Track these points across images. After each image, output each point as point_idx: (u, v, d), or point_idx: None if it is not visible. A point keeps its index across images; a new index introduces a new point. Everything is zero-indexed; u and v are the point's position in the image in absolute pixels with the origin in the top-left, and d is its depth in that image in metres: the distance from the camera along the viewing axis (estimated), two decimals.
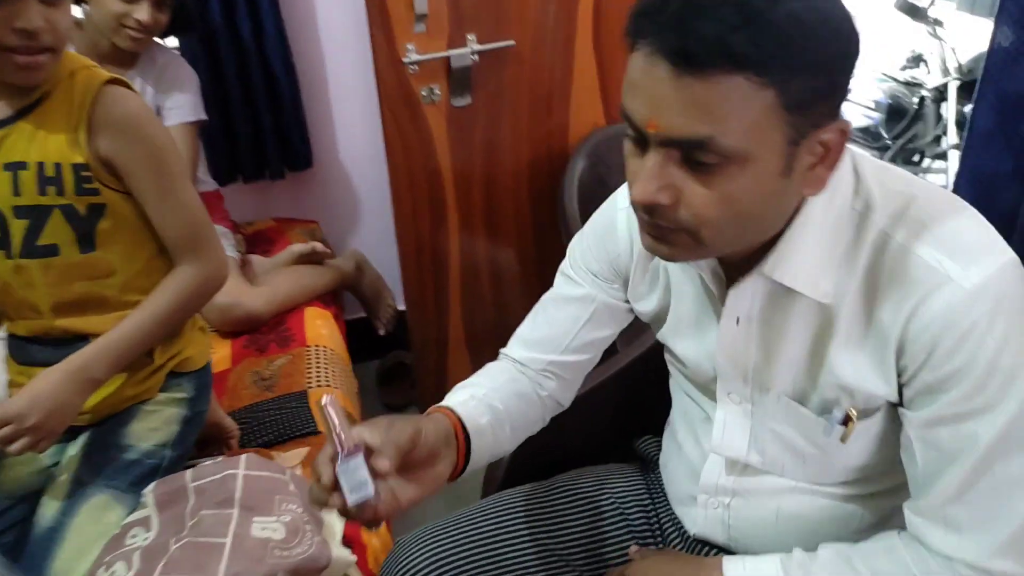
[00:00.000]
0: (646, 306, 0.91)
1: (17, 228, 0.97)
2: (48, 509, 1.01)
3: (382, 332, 2.07)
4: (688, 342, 0.87)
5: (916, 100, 3.50)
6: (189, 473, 1.04)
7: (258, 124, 1.96)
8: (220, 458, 1.12)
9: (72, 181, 0.96)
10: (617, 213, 0.90)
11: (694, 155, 0.63)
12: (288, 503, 1.00)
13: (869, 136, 3.71)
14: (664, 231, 0.68)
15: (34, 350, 1.05)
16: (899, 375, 0.71)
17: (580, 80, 1.88)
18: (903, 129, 3.54)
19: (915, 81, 3.56)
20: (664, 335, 0.91)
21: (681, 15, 0.59)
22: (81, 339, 1.03)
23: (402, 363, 2.22)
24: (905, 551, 0.74)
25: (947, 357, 0.66)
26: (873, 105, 3.70)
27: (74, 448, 1.07)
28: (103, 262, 1.02)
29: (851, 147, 0.72)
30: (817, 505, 0.83)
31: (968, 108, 2.89)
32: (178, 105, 1.63)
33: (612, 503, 1.03)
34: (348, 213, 2.21)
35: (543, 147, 1.93)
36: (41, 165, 0.95)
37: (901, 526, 0.78)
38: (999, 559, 0.69)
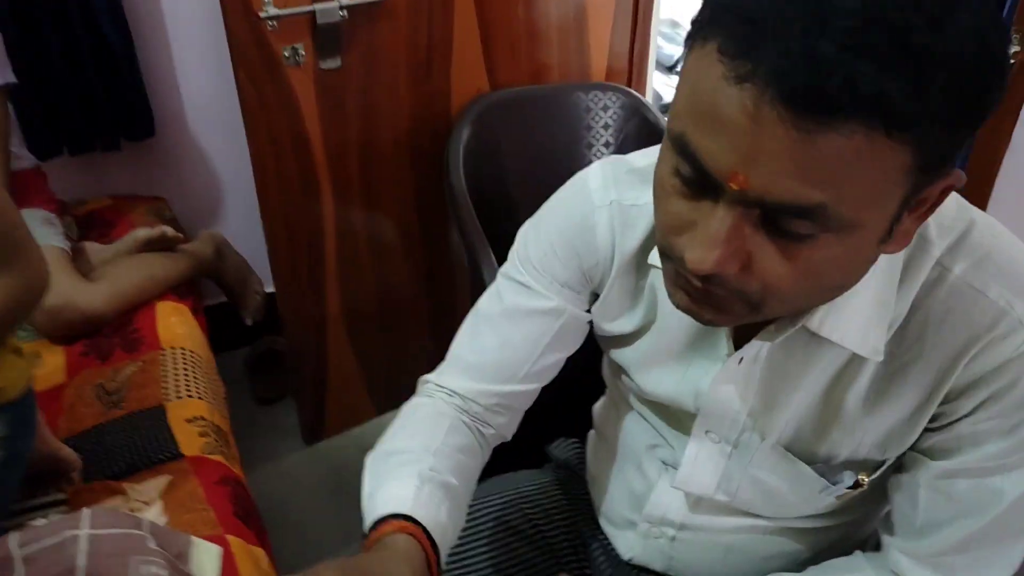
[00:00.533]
0: (617, 327, 0.76)
1: None
2: None
3: (249, 322, 1.87)
4: (665, 376, 0.74)
5: None
6: (14, 537, 0.84)
7: (84, 87, 1.68)
8: (59, 512, 0.92)
9: None
10: (595, 211, 0.72)
11: (784, 222, 0.49)
12: (149, 565, 0.82)
13: None
14: (715, 298, 0.55)
15: None
16: (930, 420, 0.63)
17: (461, 41, 1.73)
18: None
19: None
20: (627, 360, 0.77)
21: (813, 41, 0.42)
22: None
23: (273, 350, 2.03)
24: None
25: (998, 412, 0.59)
26: None
27: None
28: None
29: None
30: (770, 540, 0.78)
31: None
32: None
33: (530, 523, 0.94)
34: (201, 188, 1.96)
35: (424, 113, 1.77)
36: None
37: (846, 552, 0.75)
38: None
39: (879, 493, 0.71)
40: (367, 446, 0.74)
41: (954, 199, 0.62)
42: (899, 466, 0.68)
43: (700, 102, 0.47)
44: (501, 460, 1.03)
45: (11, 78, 1.41)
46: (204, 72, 1.83)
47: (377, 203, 1.84)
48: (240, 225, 2.01)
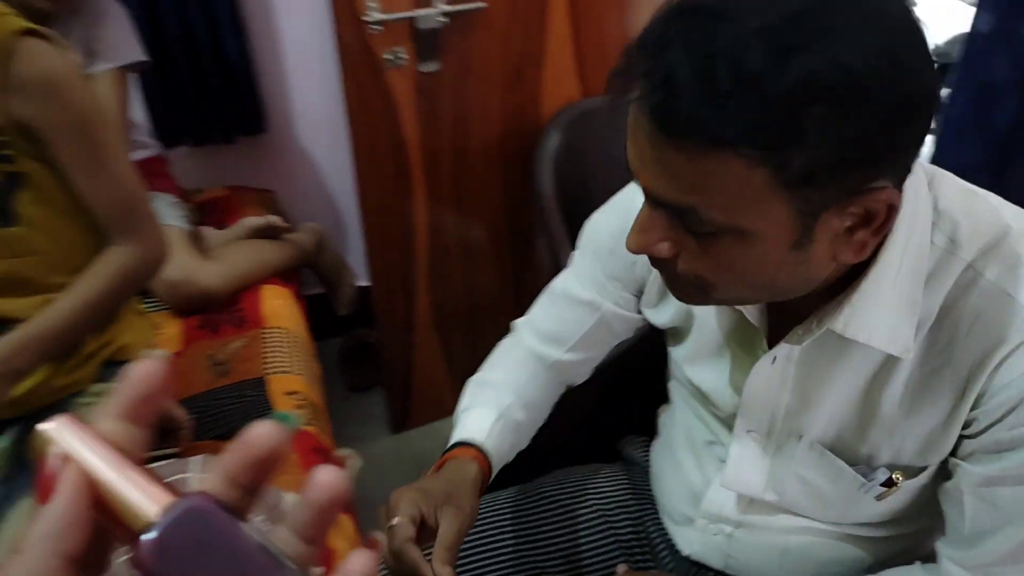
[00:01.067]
0: (659, 317, 0.83)
1: None
2: None
3: (342, 312, 1.98)
4: (707, 372, 0.79)
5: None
6: None
7: (204, 85, 1.82)
8: (170, 460, 1.02)
9: None
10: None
11: (683, 220, 0.56)
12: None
13: None
14: (671, 279, 0.63)
15: None
16: (964, 427, 0.64)
17: (554, 50, 1.78)
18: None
19: (941, 63, 3.54)
20: (679, 357, 0.83)
21: (672, 68, 0.49)
22: (2, 325, 0.91)
23: (365, 342, 2.13)
24: None
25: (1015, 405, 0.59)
26: None
27: (3, 442, 0.96)
28: (24, 239, 0.91)
29: (931, 169, 0.64)
30: (828, 545, 0.78)
31: (944, 93, 2.88)
32: (104, 47, 1.46)
33: (596, 511, 0.97)
34: (307, 182, 2.09)
35: (515, 119, 1.84)
36: None
37: (907, 562, 0.75)
38: None
39: (933, 505, 0.71)
40: (447, 438, 0.87)
41: (991, 206, 0.63)
42: (947, 475, 0.68)
43: (629, 117, 0.56)
44: (575, 453, 1.07)
45: (139, 56, 1.53)
46: (312, 74, 1.95)
47: (467, 206, 1.91)
48: (339, 220, 2.13)
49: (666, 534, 0.93)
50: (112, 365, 1.02)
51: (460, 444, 0.84)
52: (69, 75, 0.88)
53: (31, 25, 0.86)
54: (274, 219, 1.77)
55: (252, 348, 1.42)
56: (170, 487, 0.25)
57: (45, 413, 0.95)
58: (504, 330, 0.98)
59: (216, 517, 0.25)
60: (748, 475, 0.77)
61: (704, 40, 0.48)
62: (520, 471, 1.03)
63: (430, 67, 1.67)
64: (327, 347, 2.12)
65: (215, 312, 1.53)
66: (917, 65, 0.51)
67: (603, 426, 1.12)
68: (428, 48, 1.64)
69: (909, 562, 0.76)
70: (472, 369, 0.96)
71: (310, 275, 1.98)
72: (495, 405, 0.87)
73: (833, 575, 0.80)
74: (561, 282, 0.90)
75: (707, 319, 0.77)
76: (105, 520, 0.25)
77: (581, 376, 0.96)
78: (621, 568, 0.90)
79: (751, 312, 0.69)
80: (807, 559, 0.80)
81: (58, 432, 0.26)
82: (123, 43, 1.49)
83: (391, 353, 1.98)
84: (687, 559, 0.90)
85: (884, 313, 0.61)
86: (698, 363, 0.80)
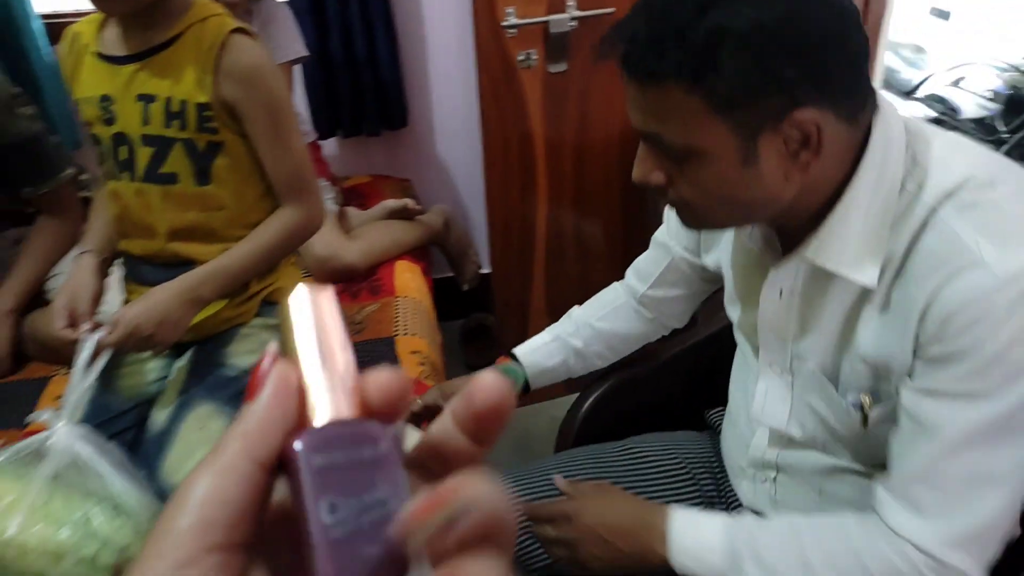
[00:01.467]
0: (710, 260, 0.97)
1: (143, 155, 1.06)
2: (159, 415, 1.11)
3: (465, 287, 2.14)
4: (735, 307, 0.91)
5: None
6: None
7: (358, 83, 2.03)
8: None
9: (195, 119, 1.04)
10: None
11: (657, 145, 0.71)
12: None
13: (983, 128, 3.51)
14: (673, 207, 0.78)
15: (145, 270, 1.15)
16: (914, 351, 0.69)
17: None
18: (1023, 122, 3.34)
19: None
20: (726, 301, 0.95)
21: (632, 30, 0.68)
22: (187, 264, 1.12)
23: (484, 325, 2.28)
24: (856, 529, 0.73)
25: (957, 334, 0.65)
26: (991, 95, 3.50)
27: (181, 362, 1.17)
28: (215, 196, 1.10)
29: (921, 128, 0.72)
30: (859, 486, 0.82)
31: None
32: (274, 45, 1.67)
33: (682, 465, 1.06)
34: (440, 173, 2.27)
35: None
36: (169, 100, 1.03)
37: None
38: (953, 550, 0.68)
39: None
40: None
41: (968, 158, 0.69)
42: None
43: None
44: (666, 421, 1.16)
45: (304, 52, 1.74)
46: (451, 75, 2.13)
47: (586, 203, 2.02)
48: (467, 211, 2.30)
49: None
50: (268, 304, 1.21)
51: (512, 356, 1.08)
52: (266, 66, 1.06)
53: (241, 24, 1.05)
54: (410, 202, 1.96)
55: (384, 312, 1.60)
56: (367, 408, 0.24)
57: (213, 341, 1.16)
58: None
59: (383, 450, 0.23)
60: (773, 407, 0.86)
61: (655, 5, 0.67)
62: (611, 434, 1.14)
63: (559, 68, 1.80)
64: (450, 328, 2.28)
65: (356, 281, 1.73)
66: (818, 14, 0.64)
67: (693, 398, 1.20)
68: (558, 50, 1.78)
69: None
70: None
71: (439, 262, 2.15)
72: (555, 331, 1.12)
73: None
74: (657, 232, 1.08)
75: (735, 261, 0.90)
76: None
77: (674, 319, 1.11)
78: (560, 480, 0.97)
79: (761, 250, 0.82)
80: (842, 501, 0.84)
81: (302, 303, 0.25)
82: (289, 41, 1.72)
83: (507, 336, 2.12)
84: (748, 510, 0.96)
85: (851, 246, 0.71)
86: (733, 302, 0.91)
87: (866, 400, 0.75)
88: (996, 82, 3.57)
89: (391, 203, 1.94)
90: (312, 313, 0.25)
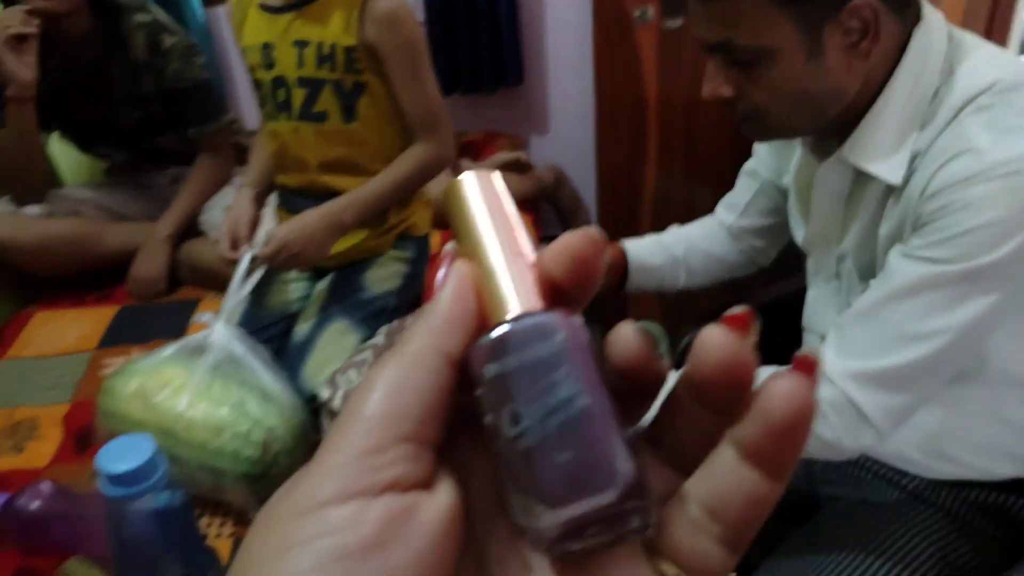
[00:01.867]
0: (787, 180, 1.01)
1: (298, 95, 1.19)
2: (301, 328, 1.25)
3: None
4: (800, 226, 0.95)
5: None
6: None
7: (477, 43, 2.11)
8: None
9: (343, 60, 1.16)
10: None
11: (730, 56, 0.74)
12: None
13: None
14: (742, 119, 0.81)
15: (298, 201, 1.29)
16: (912, 225, 0.74)
17: None
18: None
19: None
20: (790, 221, 1.00)
21: None
22: (334, 194, 1.24)
23: None
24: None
25: (937, 208, 0.70)
26: None
27: (322, 284, 1.31)
28: (359, 132, 1.22)
29: (964, 36, 0.75)
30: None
31: None
32: None
33: None
34: (552, 132, 2.34)
35: None
36: (320, 44, 1.16)
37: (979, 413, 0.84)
38: (855, 385, 0.73)
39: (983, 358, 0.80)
40: None
41: (1000, 67, 0.71)
42: None
43: None
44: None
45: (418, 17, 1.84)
46: (566, 33, 2.17)
47: (696, 167, 2.02)
48: (576, 170, 2.35)
49: None
50: (403, 237, 1.33)
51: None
52: (405, 13, 1.17)
53: None
54: (523, 155, 2.04)
55: None
56: (552, 288, 0.22)
57: (351, 267, 1.28)
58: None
59: (561, 344, 0.21)
60: (822, 315, 0.90)
61: None
62: None
63: (674, 23, 1.83)
64: None
65: None
66: None
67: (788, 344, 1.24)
68: (674, 4, 1.80)
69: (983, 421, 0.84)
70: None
71: (549, 219, 2.23)
72: (656, 237, 1.17)
73: (929, 426, 0.86)
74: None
75: (796, 177, 0.95)
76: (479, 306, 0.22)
77: (760, 253, 1.14)
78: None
79: (809, 156, 0.87)
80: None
81: (471, 188, 0.24)
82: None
83: (610, 297, 2.17)
84: None
85: (881, 145, 0.75)
86: (795, 220, 0.96)
87: None
88: None
89: (504, 156, 2.03)
90: (482, 197, 0.23)
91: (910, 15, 0.75)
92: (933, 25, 0.75)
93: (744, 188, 1.11)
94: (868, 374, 0.73)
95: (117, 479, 0.73)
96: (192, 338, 1.11)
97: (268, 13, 1.18)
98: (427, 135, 1.23)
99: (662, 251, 1.14)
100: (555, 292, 0.22)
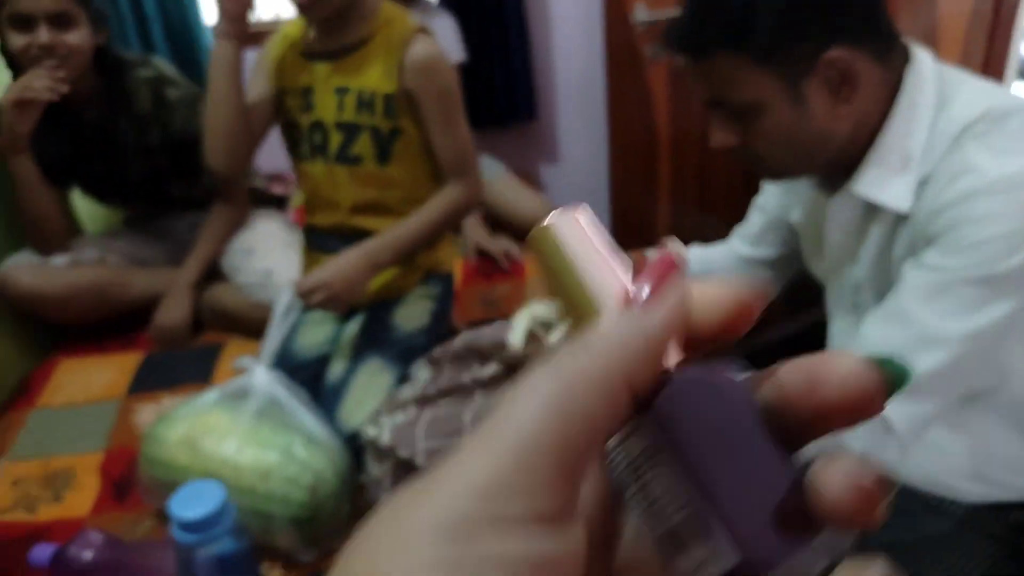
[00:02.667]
0: (794, 216, 1.05)
1: (335, 139, 1.22)
2: (336, 368, 1.26)
3: None
4: (816, 261, 0.99)
5: None
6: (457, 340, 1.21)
7: (490, 77, 2.12)
8: None
9: (382, 107, 1.19)
10: None
11: (724, 109, 0.82)
12: None
13: None
14: (748, 164, 0.88)
15: (329, 241, 1.31)
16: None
17: None
18: None
19: None
20: (804, 258, 1.03)
21: (677, 23, 0.83)
22: (365, 235, 1.26)
23: None
24: None
25: (945, 224, 0.75)
26: None
27: (354, 324, 1.32)
28: (392, 175, 1.25)
29: (955, 72, 0.82)
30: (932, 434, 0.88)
31: None
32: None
33: None
34: (564, 168, 2.36)
35: None
36: (360, 92, 1.19)
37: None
38: None
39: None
40: None
41: (992, 98, 0.77)
42: None
43: None
44: None
45: (464, 57, 1.89)
46: (577, 70, 2.21)
47: (709, 201, 2.03)
48: (590, 203, 2.37)
49: None
50: (429, 275, 1.34)
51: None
52: (442, 61, 1.21)
53: (421, 25, 1.21)
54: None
55: (517, 291, 1.71)
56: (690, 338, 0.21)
57: (382, 306, 1.30)
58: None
59: (737, 401, 0.20)
60: (843, 345, 0.93)
61: None
62: None
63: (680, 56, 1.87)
64: None
65: (492, 263, 1.84)
66: None
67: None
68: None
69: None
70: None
71: None
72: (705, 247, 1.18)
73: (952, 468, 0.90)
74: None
75: (806, 216, 1.00)
76: None
77: (770, 286, 1.15)
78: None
79: (820, 187, 0.92)
80: (924, 446, 0.90)
81: (566, 228, 0.22)
82: (452, 48, 1.85)
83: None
84: None
85: (886, 175, 0.81)
86: (809, 255, 1.00)
87: None
88: None
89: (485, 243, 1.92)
90: (577, 242, 0.21)
91: (895, 57, 0.81)
92: (923, 64, 0.82)
93: (755, 221, 1.15)
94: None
95: (189, 526, 0.73)
96: (233, 383, 1.12)
97: (309, 60, 1.22)
98: (458, 178, 1.26)
99: (705, 263, 1.18)
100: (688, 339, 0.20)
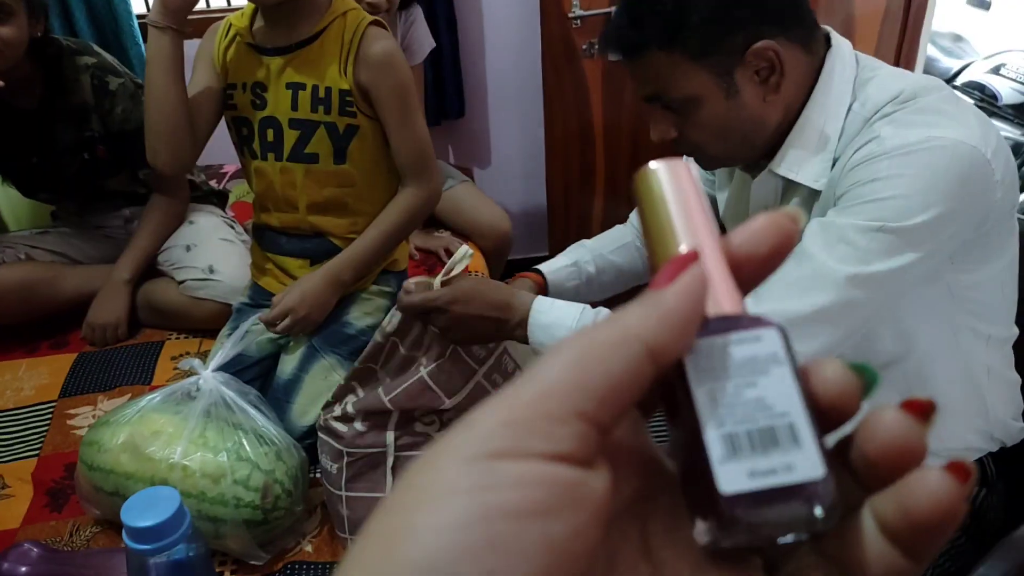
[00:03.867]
0: (720, 196, 1.10)
1: (289, 137, 1.19)
2: (287, 365, 1.25)
3: None
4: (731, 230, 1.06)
5: None
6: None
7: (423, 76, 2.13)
8: None
9: (337, 103, 1.17)
10: None
11: (662, 104, 0.87)
12: None
13: (1020, 112, 3.56)
14: (687, 155, 0.92)
15: (283, 241, 1.29)
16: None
17: None
18: None
19: None
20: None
21: (613, 25, 0.88)
22: (320, 235, 1.25)
23: None
24: None
25: (852, 185, 0.81)
26: None
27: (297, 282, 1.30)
28: (349, 174, 1.23)
29: (871, 60, 0.88)
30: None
31: None
32: (417, 46, 1.81)
33: None
34: (500, 161, 2.39)
35: None
36: (316, 87, 1.16)
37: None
38: None
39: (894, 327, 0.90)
40: None
41: (905, 83, 0.83)
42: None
43: None
44: None
45: (433, 43, 1.85)
46: (508, 66, 2.23)
47: None
48: (527, 195, 2.41)
49: None
50: (384, 273, 1.34)
51: (535, 271, 1.16)
52: (397, 54, 1.18)
53: (374, 17, 1.18)
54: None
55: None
56: (740, 300, 0.22)
57: (337, 304, 1.28)
58: None
59: (771, 350, 0.21)
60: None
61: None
62: None
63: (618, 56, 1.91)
64: None
65: (432, 258, 1.86)
66: None
67: None
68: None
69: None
70: None
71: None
72: (572, 255, 1.19)
73: None
74: None
75: (730, 195, 1.06)
76: None
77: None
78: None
79: (741, 176, 0.98)
80: None
81: (663, 177, 0.23)
82: (426, 41, 1.83)
83: None
84: None
85: (806, 156, 0.87)
86: (730, 228, 1.06)
87: None
88: None
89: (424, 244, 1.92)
90: (675, 187, 0.23)
91: (816, 44, 0.87)
92: (842, 50, 0.88)
93: None
94: (789, 319, 0.79)
95: (143, 533, 0.73)
96: (178, 385, 1.10)
97: (260, 54, 1.18)
98: (415, 178, 1.25)
99: (578, 273, 1.19)
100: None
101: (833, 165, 0.86)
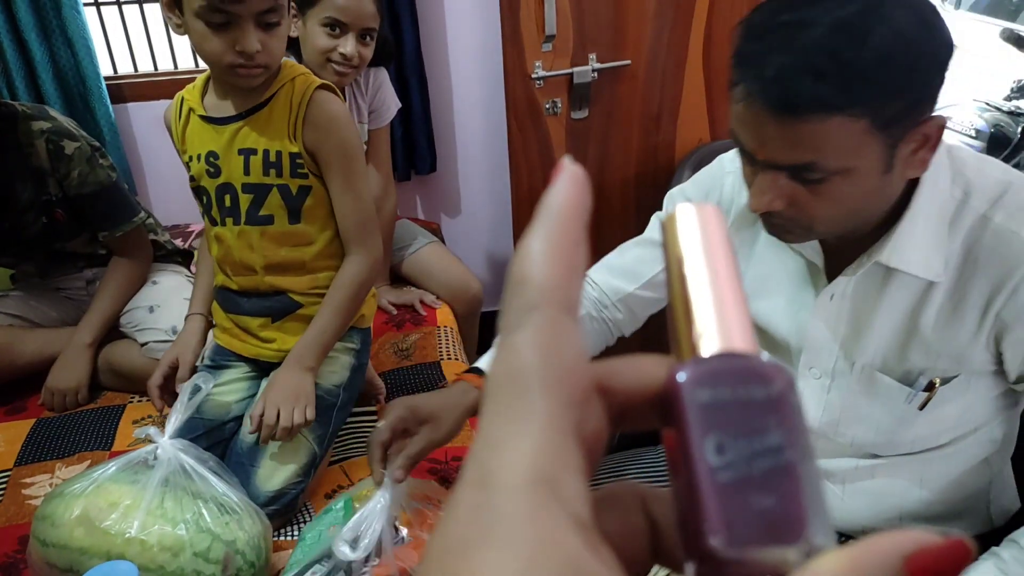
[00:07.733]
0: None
1: (244, 201, 1.20)
2: (251, 429, 1.22)
3: None
4: (773, 309, 0.94)
5: (1020, 129, 3.48)
6: None
7: (391, 133, 2.17)
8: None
9: (288, 166, 1.18)
10: (725, 176, 1.01)
11: (800, 174, 0.73)
12: None
13: None
14: (779, 226, 0.80)
15: (243, 301, 1.28)
16: (998, 342, 0.81)
17: (688, 98, 2.03)
18: (1005, 158, 3.53)
19: (1019, 111, 3.54)
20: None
21: (779, 69, 0.68)
22: (280, 293, 1.25)
23: None
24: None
25: None
26: (974, 133, 3.69)
27: (267, 383, 1.29)
28: (305, 233, 1.24)
29: (948, 143, 0.81)
30: (881, 474, 0.93)
31: None
32: (384, 109, 1.80)
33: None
34: (468, 215, 2.42)
35: (651, 161, 2.09)
36: (267, 152, 1.18)
37: (954, 497, 0.90)
38: None
39: (968, 415, 0.87)
40: None
41: (998, 168, 0.81)
42: (981, 388, 0.85)
43: (735, 111, 0.75)
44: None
45: (399, 104, 1.86)
46: (476, 123, 2.28)
47: (604, 241, 2.12)
48: (495, 249, 2.43)
49: None
50: (348, 329, 1.33)
51: (474, 371, 1.04)
52: (343, 117, 1.20)
53: (323, 81, 1.20)
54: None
55: (428, 340, 1.73)
56: (754, 341, 0.21)
57: None
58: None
59: (777, 392, 0.20)
60: (807, 410, 0.93)
61: (796, 42, 0.68)
62: (647, 439, 1.23)
63: (580, 115, 1.97)
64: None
65: (401, 313, 1.86)
66: (940, 23, 0.70)
67: None
68: (580, 98, 1.94)
69: (960, 484, 0.91)
70: None
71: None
72: None
73: (892, 505, 0.92)
74: (639, 236, 1.11)
75: (772, 264, 0.93)
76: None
77: (635, 323, 1.12)
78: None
79: (813, 254, 0.87)
80: (864, 493, 0.94)
81: (689, 220, 0.23)
82: (392, 103, 1.83)
83: None
84: None
85: (919, 246, 0.80)
86: (762, 301, 0.95)
87: (937, 380, 0.85)
88: (979, 121, 3.78)
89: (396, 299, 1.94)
90: (700, 232, 0.22)
91: None
92: None
93: (650, 259, 1.08)
94: None
95: None
96: (134, 454, 1.07)
97: (211, 124, 1.19)
98: (359, 245, 1.25)
99: None
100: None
101: (956, 260, 0.79)
